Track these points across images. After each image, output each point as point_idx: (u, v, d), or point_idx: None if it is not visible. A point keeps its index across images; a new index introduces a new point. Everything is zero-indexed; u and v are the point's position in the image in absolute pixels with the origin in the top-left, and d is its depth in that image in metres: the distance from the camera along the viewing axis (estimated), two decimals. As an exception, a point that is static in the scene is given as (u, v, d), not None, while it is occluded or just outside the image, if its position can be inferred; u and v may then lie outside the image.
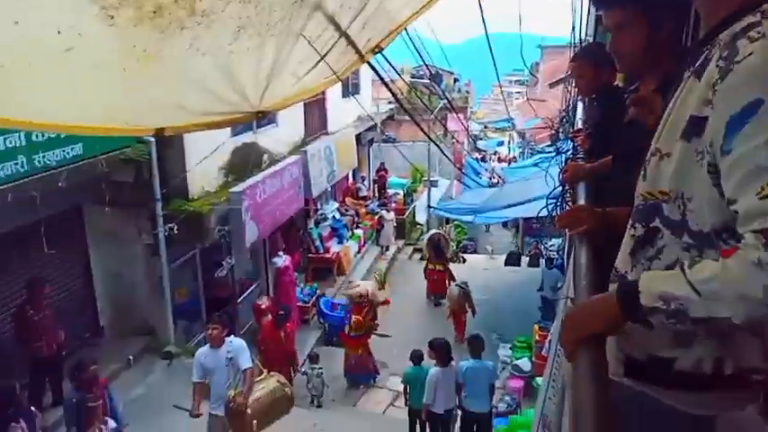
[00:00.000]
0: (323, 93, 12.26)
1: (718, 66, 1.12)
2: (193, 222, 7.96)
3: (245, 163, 9.26)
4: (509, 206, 13.03)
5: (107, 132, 2.02)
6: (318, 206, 13.71)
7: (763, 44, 1.06)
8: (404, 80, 13.16)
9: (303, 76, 2.33)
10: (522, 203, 12.26)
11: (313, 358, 8.78)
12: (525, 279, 14.55)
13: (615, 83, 3.38)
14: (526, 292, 12.93)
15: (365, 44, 2.46)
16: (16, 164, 5.85)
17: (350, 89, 14.31)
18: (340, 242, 13.92)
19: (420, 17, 2.56)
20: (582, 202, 2.50)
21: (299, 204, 10.97)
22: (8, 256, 6.68)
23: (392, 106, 18.05)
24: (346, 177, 16.11)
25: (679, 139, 1.21)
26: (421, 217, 19.34)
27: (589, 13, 7.68)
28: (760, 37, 1.07)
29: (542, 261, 13.79)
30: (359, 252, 14.79)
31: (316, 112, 12.74)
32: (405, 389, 7.43)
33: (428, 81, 19.49)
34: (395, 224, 16.38)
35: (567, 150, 5.50)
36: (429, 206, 18.32)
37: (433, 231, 14.96)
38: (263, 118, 2.35)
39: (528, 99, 21.43)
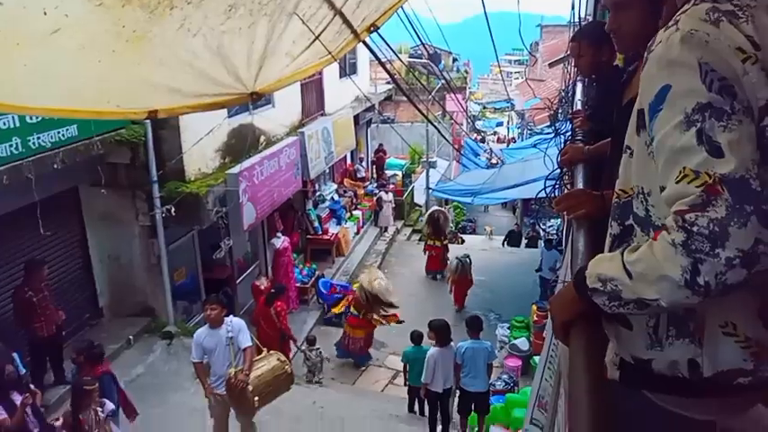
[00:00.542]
0: (319, 73, 12.16)
1: (645, 56, 1.15)
2: (190, 204, 7.93)
3: (241, 144, 9.21)
4: (508, 187, 13.01)
5: (98, 116, 2.00)
6: (316, 187, 13.67)
7: (669, 33, 1.08)
8: (401, 60, 13.05)
9: (297, 57, 2.30)
10: (520, 185, 12.25)
11: (311, 341, 8.84)
12: (523, 260, 14.62)
13: (615, 63, 3.34)
14: (524, 272, 13.00)
15: (360, 23, 2.42)
16: (11, 146, 5.81)
17: (347, 69, 14.17)
18: (338, 223, 13.93)
19: (417, -5, 2.53)
20: (580, 185, 2.49)
21: (296, 186, 10.94)
22: (5, 239, 6.67)
23: (390, 87, 17.90)
24: (344, 159, 16.04)
25: (635, 133, 1.22)
26: (420, 198, 19.33)
27: (589, -9, 7.57)
28: (672, 25, 1.10)
29: (541, 242, 13.83)
30: (357, 233, 14.80)
31: (313, 92, 12.63)
32: (404, 368, 7.50)
33: (426, 61, 19.32)
34: (393, 205, 16.38)
35: (566, 132, 5.46)
36: (428, 187, 18.29)
37: (433, 208, 15.01)
38: (258, 99, 2.32)
39: (527, 79, 21.23)
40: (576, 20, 8.44)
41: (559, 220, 13.93)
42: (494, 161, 19.60)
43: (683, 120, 1.03)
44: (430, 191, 18.19)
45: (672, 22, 1.11)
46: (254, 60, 2.07)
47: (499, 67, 23.35)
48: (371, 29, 2.57)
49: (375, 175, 18.23)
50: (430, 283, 13.45)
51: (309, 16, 2.09)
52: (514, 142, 28.86)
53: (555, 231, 14.95)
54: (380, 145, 18.96)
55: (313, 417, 7.12)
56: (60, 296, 7.25)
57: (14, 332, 6.57)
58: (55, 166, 6.33)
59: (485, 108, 38.51)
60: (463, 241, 17.26)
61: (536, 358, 8.93)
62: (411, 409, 7.55)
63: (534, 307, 10.39)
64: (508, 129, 37.35)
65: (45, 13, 1.28)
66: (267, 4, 1.85)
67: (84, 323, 8.00)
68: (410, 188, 19.00)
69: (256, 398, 5.56)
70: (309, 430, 6.81)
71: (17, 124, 5.88)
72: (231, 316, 5.95)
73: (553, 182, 4.17)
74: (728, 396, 1.22)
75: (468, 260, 11.76)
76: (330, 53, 2.42)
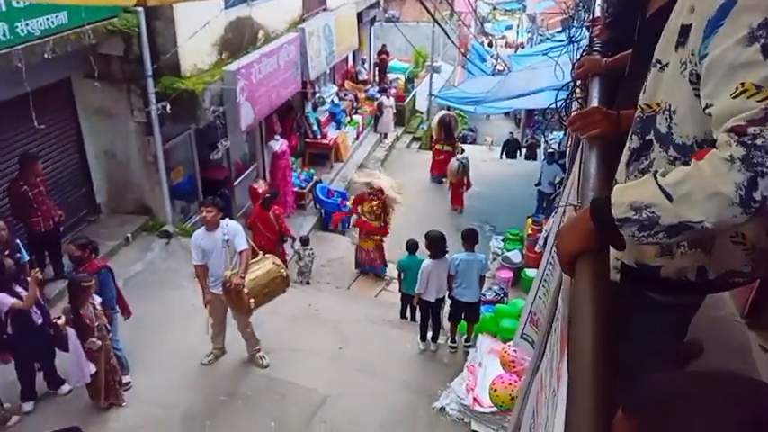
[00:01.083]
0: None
1: None
2: (186, 101, 7.69)
3: (239, 39, 8.78)
4: (513, 97, 12.67)
5: (89, 2, 1.81)
6: (316, 89, 13.24)
7: None
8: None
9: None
10: (526, 95, 11.92)
11: (304, 241, 8.97)
12: (522, 172, 14.53)
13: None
14: (522, 185, 12.98)
15: None
16: (-3, 31, 5.51)
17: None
18: (338, 128, 13.66)
19: None
20: (595, 100, 2.38)
21: (296, 86, 10.58)
22: (-3, 131, 6.52)
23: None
24: (346, 60, 15.42)
25: (673, 49, 1.19)
26: (422, 105, 18.85)
27: None
28: None
29: (540, 152, 13.68)
30: (357, 139, 14.58)
31: (315, -16, 11.89)
32: (399, 275, 7.66)
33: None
34: (394, 111, 15.99)
35: (581, 40, 5.16)
36: (430, 94, 17.78)
37: (443, 112, 14.77)
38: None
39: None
40: None
41: (563, 133, 13.71)
42: (500, 68, 18.98)
43: (747, 35, 0.98)
44: (433, 97, 17.70)
45: None
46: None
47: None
48: None
49: (377, 79, 17.64)
50: (431, 189, 13.48)
51: None
52: (523, 48, 27.81)
53: (557, 144, 14.76)
54: (384, 46, 18.16)
55: (308, 318, 7.37)
56: (57, 191, 7.22)
57: (13, 225, 6.60)
58: (45, 56, 6.07)
59: (495, 9, 36.66)
60: (463, 150, 17.06)
61: (527, 270, 9.14)
62: (403, 315, 7.80)
63: (529, 220, 10.48)
64: (518, 33, 35.83)
65: None
66: None
67: (81, 219, 8.03)
68: (412, 94, 18.47)
69: (252, 300, 5.70)
70: (304, 330, 7.06)
71: (2, 8, 5.53)
72: (227, 219, 5.96)
73: (565, 95, 4.00)
74: (720, 291, 1.45)
75: (467, 161, 12.24)
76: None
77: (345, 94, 14.95)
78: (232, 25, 8.73)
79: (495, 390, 5.34)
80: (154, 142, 7.92)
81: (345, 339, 6.94)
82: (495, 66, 19.66)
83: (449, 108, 19.23)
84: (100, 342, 5.21)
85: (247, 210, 10.08)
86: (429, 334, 6.90)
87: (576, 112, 2.82)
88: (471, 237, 6.68)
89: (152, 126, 7.76)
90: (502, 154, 17.28)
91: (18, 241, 6.07)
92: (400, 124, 17.06)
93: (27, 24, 5.83)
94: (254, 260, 6.03)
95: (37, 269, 5.54)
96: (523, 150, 17.69)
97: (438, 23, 12.46)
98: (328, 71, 13.50)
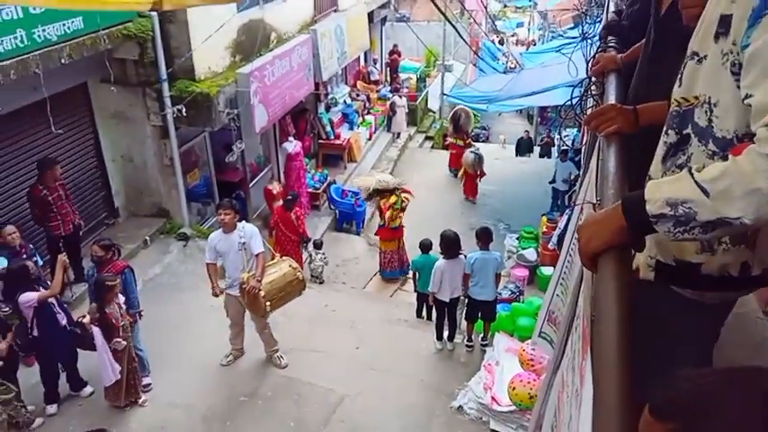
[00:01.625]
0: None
1: None
2: (201, 104, 7.76)
3: (252, 42, 8.83)
4: (526, 95, 12.60)
5: (103, 6, 1.85)
6: (329, 90, 13.28)
7: None
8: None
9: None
10: (539, 92, 11.84)
11: (317, 245, 9.04)
12: (536, 170, 14.47)
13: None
14: (536, 183, 12.92)
15: None
16: (15, 38, 5.60)
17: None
18: (351, 128, 13.69)
19: None
20: (612, 97, 2.37)
21: (308, 88, 10.62)
22: (17, 136, 6.62)
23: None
24: (357, 60, 15.44)
25: (712, 40, 1.16)
26: (434, 104, 18.81)
27: None
28: None
29: (555, 152, 13.61)
30: (369, 139, 14.59)
31: (325, -15, 11.92)
32: (414, 275, 7.65)
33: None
34: (406, 110, 15.98)
35: (594, 35, 5.12)
36: (442, 93, 17.73)
37: (457, 107, 14.84)
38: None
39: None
40: None
41: (576, 130, 13.60)
42: (512, 65, 18.86)
43: None
44: (445, 96, 17.66)
45: None
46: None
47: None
48: None
49: (389, 79, 17.64)
50: (444, 188, 13.49)
51: None
52: (534, 45, 27.63)
53: (571, 142, 14.66)
54: (395, 46, 18.16)
55: (324, 319, 7.39)
56: (76, 195, 7.32)
57: (33, 229, 6.71)
58: (62, 61, 6.16)
59: (506, 7, 36.44)
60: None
61: (543, 268, 9.10)
62: (419, 315, 7.80)
63: (544, 218, 10.43)
64: (529, 30, 35.61)
65: None
66: None
67: (101, 223, 8.13)
68: (424, 93, 18.43)
69: (268, 303, 5.73)
70: (321, 331, 7.08)
71: (20, 15, 5.62)
72: (243, 222, 6.00)
73: (579, 91, 3.98)
74: (763, 286, 1.40)
75: (480, 153, 12.80)
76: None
77: (358, 95, 14.98)
78: (245, 28, 8.80)
79: (514, 388, 5.32)
80: (170, 145, 8.00)
81: (362, 339, 6.95)
82: (507, 63, 19.53)
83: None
84: (125, 342, 5.28)
85: (263, 211, 10.14)
86: (445, 333, 6.89)
87: (591, 111, 2.81)
88: (485, 235, 6.65)
89: (168, 129, 7.84)
90: (517, 153, 17.21)
91: (31, 246, 6.18)
92: (413, 124, 17.05)
93: (44, 30, 5.91)
94: (271, 263, 6.07)
95: (64, 252, 5.66)
96: (537, 149, 17.60)
97: (449, 22, 12.40)
98: (340, 72, 13.54)
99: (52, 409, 5.54)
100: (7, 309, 5.64)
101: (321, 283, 8.89)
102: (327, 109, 13.12)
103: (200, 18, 7.49)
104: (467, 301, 6.81)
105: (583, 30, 5.76)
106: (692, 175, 1.05)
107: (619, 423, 0.87)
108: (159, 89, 7.57)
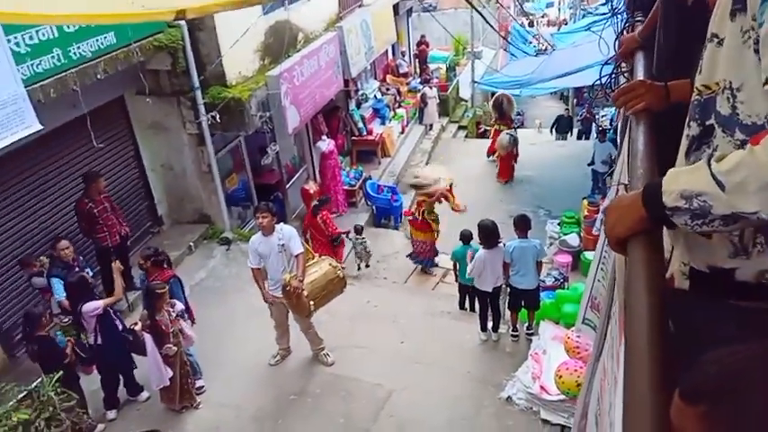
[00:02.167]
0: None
1: None
2: (234, 110, 7.89)
3: (279, 43, 8.91)
4: (559, 76, 12.31)
5: (126, 19, 1.89)
6: (358, 86, 13.29)
7: None
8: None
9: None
10: (572, 73, 11.54)
11: (358, 230, 9.14)
12: (574, 153, 14.14)
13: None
14: (575, 166, 12.62)
15: None
16: (53, 57, 5.78)
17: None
18: (383, 123, 13.67)
19: None
20: (641, 76, 2.29)
21: (338, 85, 10.65)
22: (61, 152, 6.87)
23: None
24: (385, 54, 15.38)
25: (728, 18, 1.05)
26: (465, 92, 18.59)
27: None
28: None
29: (593, 133, 13.28)
30: (402, 132, 14.54)
31: (348, -20, 11.91)
32: (454, 266, 7.59)
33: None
34: (438, 101, 15.85)
35: (623, 10, 4.94)
36: (473, 80, 17.50)
37: (498, 93, 14.71)
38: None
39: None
40: None
41: (614, 109, 13.22)
42: (543, 47, 18.45)
43: None
44: (476, 84, 17.43)
45: None
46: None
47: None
48: None
49: (418, 70, 17.52)
50: (482, 177, 13.33)
51: None
52: (566, 24, 26.95)
53: (609, 121, 14.26)
54: (422, 36, 18.00)
55: (367, 314, 7.42)
56: (121, 206, 7.54)
57: (82, 242, 6.97)
58: (98, 76, 6.33)
59: (534, -12, 35.65)
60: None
61: (586, 253, 8.88)
62: (462, 306, 7.74)
63: (585, 202, 10.18)
64: (559, 9, 34.76)
65: None
66: None
67: (146, 232, 8.38)
68: (455, 82, 18.24)
69: (311, 302, 5.79)
70: (364, 327, 7.12)
71: (56, 34, 5.81)
72: (282, 224, 6.07)
73: (610, 70, 3.86)
74: None
75: (515, 135, 12.94)
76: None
77: (388, 89, 14.94)
78: (272, 30, 8.88)
79: (561, 377, 5.23)
80: (207, 152, 8.17)
81: (406, 333, 6.95)
82: (538, 46, 19.13)
83: (492, 94, 18.93)
84: (176, 348, 5.44)
85: (301, 211, 10.25)
86: (489, 324, 6.82)
87: (620, 88, 2.73)
88: (523, 223, 6.53)
89: (204, 137, 8.01)
90: (552, 129, 16.82)
91: (81, 257, 6.41)
92: (445, 114, 16.90)
93: (78, 47, 6.07)
94: (311, 263, 6.13)
95: (117, 260, 5.89)
96: (575, 128, 17.15)
97: (475, 9, 12.20)
98: (369, 67, 13.51)
99: (112, 414, 5.77)
100: (67, 320, 5.91)
101: (367, 266, 9.05)
102: (358, 105, 13.14)
103: (228, 24, 7.59)
104: (509, 290, 6.72)
105: (612, 5, 5.58)
106: (709, 165, 0.99)
107: (650, 409, 0.85)
108: (193, 97, 7.73)
